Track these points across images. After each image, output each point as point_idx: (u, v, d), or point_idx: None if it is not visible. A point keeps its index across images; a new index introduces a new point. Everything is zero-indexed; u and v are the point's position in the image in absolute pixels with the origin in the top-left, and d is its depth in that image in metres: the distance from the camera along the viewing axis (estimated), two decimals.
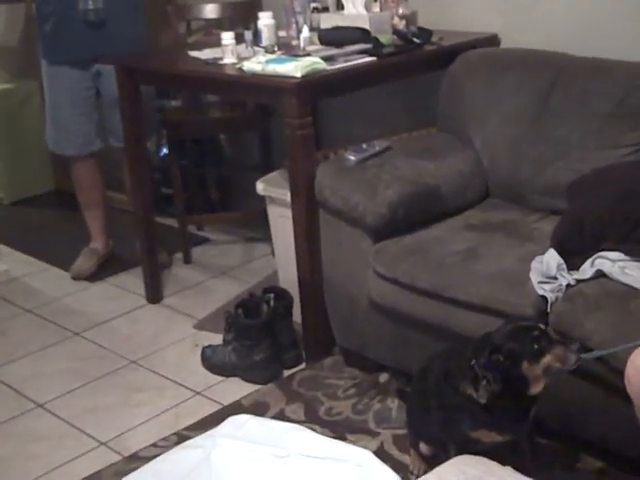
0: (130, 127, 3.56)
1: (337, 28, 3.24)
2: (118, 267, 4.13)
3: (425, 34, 3.28)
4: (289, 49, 3.20)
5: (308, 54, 3.01)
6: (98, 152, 3.98)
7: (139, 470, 2.18)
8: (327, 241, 2.98)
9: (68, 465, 2.71)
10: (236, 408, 2.84)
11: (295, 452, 2.07)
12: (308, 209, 2.95)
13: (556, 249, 2.45)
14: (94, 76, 3.81)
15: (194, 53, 3.38)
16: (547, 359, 2.05)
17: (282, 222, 3.25)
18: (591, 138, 2.82)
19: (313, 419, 2.80)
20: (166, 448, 2.49)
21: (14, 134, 5.15)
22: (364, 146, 3.03)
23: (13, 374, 3.27)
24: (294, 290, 3.13)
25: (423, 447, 2.43)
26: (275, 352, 3.12)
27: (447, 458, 1.97)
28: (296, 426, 2.25)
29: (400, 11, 3.32)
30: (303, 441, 2.12)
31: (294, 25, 3.36)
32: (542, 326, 2.13)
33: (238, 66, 3.06)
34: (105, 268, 4.12)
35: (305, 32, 3.21)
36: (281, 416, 2.81)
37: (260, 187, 3.37)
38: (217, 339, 3.26)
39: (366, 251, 2.79)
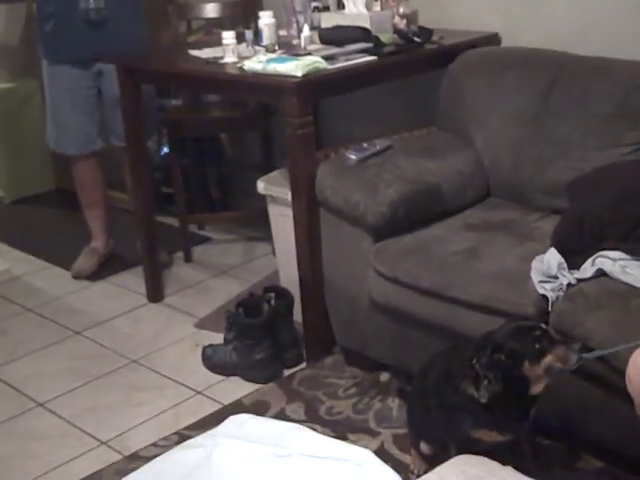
0: (131, 126, 3.56)
1: (338, 27, 3.24)
2: (119, 266, 4.13)
3: (426, 33, 3.28)
4: (290, 48, 3.20)
5: (309, 53, 3.01)
6: (99, 151, 3.98)
7: (140, 469, 2.18)
8: (328, 240, 2.98)
9: (68, 464, 2.71)
10: (237, 407, 2.84)
11: (296, 452, 2.06)
12: (309, 208, 2.95)
13: (557, 248, 2.45)
14: (95, 75, 3.81)
15: (195, 52, 3.38)
16: (548, 359, 2.05)
17: (283, 221, 3.25)
18: (591, 137, 2.82)
19: (314, 418, 2.80)
20: (167, 447, 2.49)
21: (15, 133, 5.15)
22: (365, 145, 3.03)
23: (14, 373, 3.27)
24: (295, 289, 3.14)
25: (424, 447, 2.43)
26: (276, 351, 3.12)
27: (448, 458, 1.97)
28: (297, 426, 2.25)
29: (401, 10, 3.32)
30: (304, 441, 2.12)
31: (295, 24, 3.36)
32: (543, 326, 2.13)
33: (239, 65, 3.06)
34: (106, 267, 4.12)
35: (306, 31, 3.21)
36: (282, 415, 2.81)
37: (261, 186, 3.37)
38: (218, 338, 3.26)
39: (367, 250, 2.79)
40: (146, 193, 3.68)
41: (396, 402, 2.83)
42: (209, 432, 2.23)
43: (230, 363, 3.13)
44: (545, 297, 2.34)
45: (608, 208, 2.45)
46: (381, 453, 2.50)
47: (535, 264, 2.44)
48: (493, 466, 1.84)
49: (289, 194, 3.04)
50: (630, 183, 2.53)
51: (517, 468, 1.83)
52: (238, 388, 3.04)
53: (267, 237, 3.81)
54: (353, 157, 2.95)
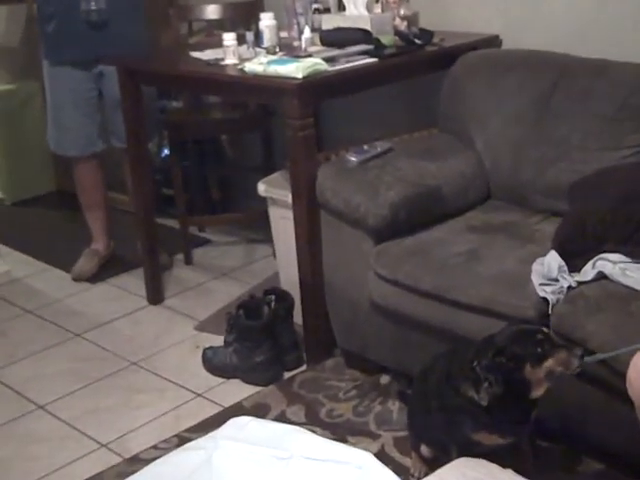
0: (132, 128, 3.56)
1: (338, 29, 3.24)
2: (119, 268, 4.13)
3: (426, 35, 3.28)
4: (290, 50, 3.20)
5: (309, 55, 3.01)
6: (100, 153, 3.98)
7: (140, 472, 2.17)
8: (328, 243, 2.98)
9: (69, 467, 2.71)
10: (237, 410, 2.84)
11: (296, 454, 2.06)
12: (309, 210, 2.95)
13: (557, 251, 2.45)
14: (96, 77, 3.81)
15: (195, 54, 3.38)
16: (550, 363, 2.05)
17: (283, 223, 3.25)
18: (593, 139, 2.82)
19: (314, 421, 2.80)
20: (167, 450, 2.49)
21: (15, 135, 5.15)
22: (365, 147, 3.03)
23: (14, 375, 3.27)
24: (295, 292, 3.13)
25: (424, 449, 2.43)
26: (276, 354, 3.12)
27: (448, 460, 1.97)
28: (297, 428, 2.24)
29: (401, 12, 3.32)
30: (304, 443, 2.11)
31: (295, 26, 3.36)
32: (545, 330, 2.12)
33: (239, 67, 3.06)
34: (106, 269, 4.12)
35: (306, 33, 3.21)
36: (282, 418, 2.81)
37: (261, 188, 3.37)
38: (218, 340, 3.26)
39: (367, 253, 2.79)
40: (146, 195, 3.68)
41: (396, 405, 2.82)
42: (209, 434, 2.22)
43: (230, 365, 3.13)
44: (545, 300, 2.34)
45: (609, 210, 2.45)
46: (381, 456, 2.49)
47: (536, 267, 2.44)
48: (493, 469, 1.84)
49: (289, 196, 3.04)
50: (631, 185, 2.53)
51: (517, 471, 1.84)
52: (238, 390, 3.04)
53: (267, 239, 3.81)
54: (354, 159, 2.95)
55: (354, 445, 2.49)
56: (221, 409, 2.93)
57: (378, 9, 3.32)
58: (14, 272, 4.20)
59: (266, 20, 3.27)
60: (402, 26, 3.31)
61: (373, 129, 3.55)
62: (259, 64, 2.96)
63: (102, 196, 4.11)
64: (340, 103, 3.51)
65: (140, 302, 3.79)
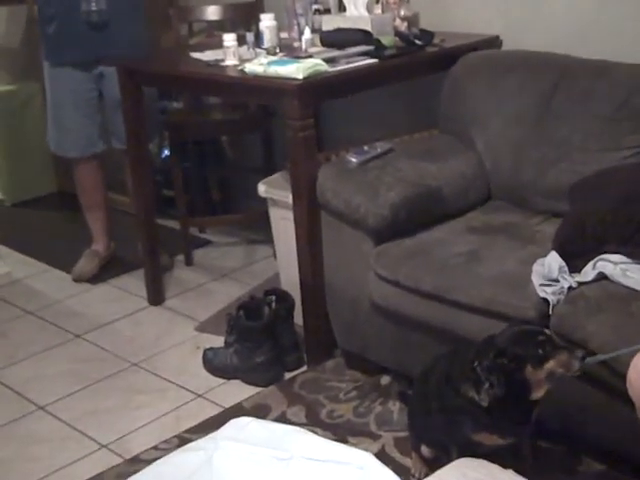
0: (132, 129, 3.56)
1: (339, 30, 3.24)
2: (120, 269, 4.13)
3: (427, 36, 3.28)
4: (291, 51, 3.20)
5: (310, 56, 3.02)
6: (100, 154, 3.98)
7: (140, 473, 2.17)
8: (329, 243, 2.98)
9: (69, 468, 2.71)
10: (237, 410, 2.84)
11: (297, 455, 2.06)
12: (310, 211, 2.95)
13: (558, 251, 2.45)
14: (97, 78, 3.81)
15: (196, 55, 3.38)
16: (551, 364, 2.05)
17: (284, 224, 3.25)
18: (593, 140, 2.82)
19: (314, 422, 2.80)
20: (167, 451, 2.49)
21: (16, 136, 5.15)
22: (366, 148, 3.03)
23: (14, 376, 3.27)
24: (296, 292, 3.13)
25: (424, 450, 2.43)
26: (276, 354, 3.12)
27: (448, 461, 1.97)
28: (298, 429, 2.24)
29: (402, 13, 3.33)
30: (305, 444, 2.11)
31: (296, 27, 3.36)
32: (547, 331, 2.12)
33: (240, 68, 3.07)
34: (107, 270, 4.12)
35: (307, 34, 3.21)
36: (282, 419, 2.81)
37: (262, 189, 3.37)
38: (218, 341, 3.26)
39: (368, 253, 2.79)
40: (147, 196, 3.68)
41: (397, 405, 2.82)
42: (210, 435, 2.22)
43: (231, 366, 3.13)
44: (546, 300, 2.34)
45: (609, 211, 2.45)
46: (382, 456, 2.49)
47: (536, 267, 2.44)
48: (494, 469, 1.84)
49: (290, 197, 3.04)
50: (631, 186, 2.53)
51: (518, 471, 1.84)
52: (239, 391, 3.04)
53: (268, 240, 3.81)
54: (354, 160, 2.95)
55: (355, 446, 2.48)
56: (221, 410, 2.93)
57: (378, 10, 3.33)
58: (14, 273, 4.20)
59: (266, 21, 3.27)
60: (402, 27, 3.31)
61: (373, 130, 3.55)
62: (259, 65, 2.96)
63: (102, 197, 4.11)
64: (340, 104, 3.51)
65: (141, 303, 3.79)
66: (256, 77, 2.96)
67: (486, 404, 2.10)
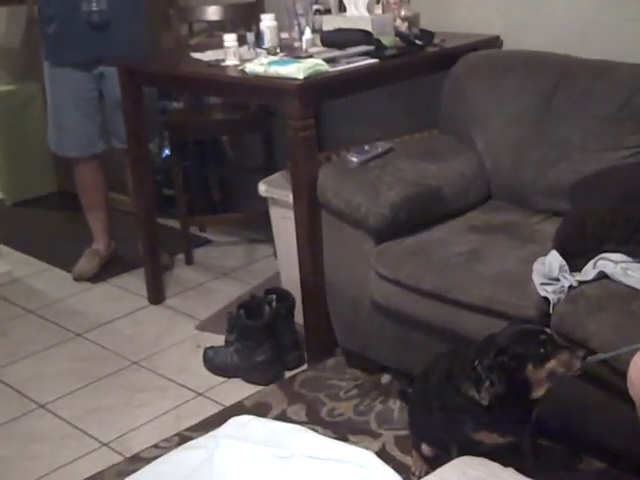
0: (132, 129, 3.56)
1: (339, 30, 3.24)
2: (120, 268, 4.13)
3: (427, 36, 3.28)
4: (291, 51, 3.21)
5: (310, 56, 3.02)
6: (101, 153, 3.99)
7: (141, 471, 2.18)
8: (329, 242, 2.99)
9: (70, 466, 2.71)
10: (238, 409, 2.85)
11: (297, 453, 2.06)
12: (310, 210, 2.96)
13: (558, 250, 2.46)
14: (97, 78, 3.81)
15: (196, 55, 3.39)
16: (552, 364, 2.05)
17: (284, 223, 3.25)
18: (593, 140, 2.82)
19: (315, 420, 2.80)
20: (168, 449, 2.49)
21: (16, 136, 5.15)
22: (366, 148, 3.03)
23: (15, 375, 3.27)
24: (296, 291, 3.14)
25: (425, 448, 2.43)
26: (277, 353, 3.12)
27: (449, 459, 1.97)
28: (298, 427, 2.25)
29: (402, 13, 3.33)
30: (305, 442, 2.12)
31: (296, 27, 3.36)
32: (548, 331, 2.13)
33: (240, 68, 3.07)
34: (107, 269, 4.12)
35: (307, 34, 3.22)
36: (283, 417, 2.81)
37: (262, 188, 3.37)
38: (219, 340, 3.26)
39: (368, 252, 2.80)
40: (147, 195, 3.68)
41: (397, 404, 2.83)
42: (210, 433, 2.23)
43: (231, 365, 3.13)
44: (546, 299, 2.34)
45: (610, 210, 2.45)
46: (382, 455, 2.48)
47: (537, 266, 2.45)
48: (494, 468, 1.84)
49: (290, 196, 3.04)
50: (631, 185, 2.54)
51: (518, 469, 1.84)
52: (239, 390, 3.04)
53: (268, 239, 3.81)
54: (355, 159, 2.95)
55: (355, 444, 2.49)
56: (222, 408, 2.93)
57: (379, 10, 3.33)
58: (15, 272, 4.20)
59: (267, 21, 3.27)
60: (403, 27, 3.31)
61: (374, 130, 3.56)
62: (260, 65, 2.96)
63: (103, 196, 4.11)
64: (341, 104, 3.51)
65: (141, 302, 3.80)
66: (257, 77, 2.96)
67: (486, 403, 2.10)
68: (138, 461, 2.60)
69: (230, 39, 3.16)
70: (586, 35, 3.15)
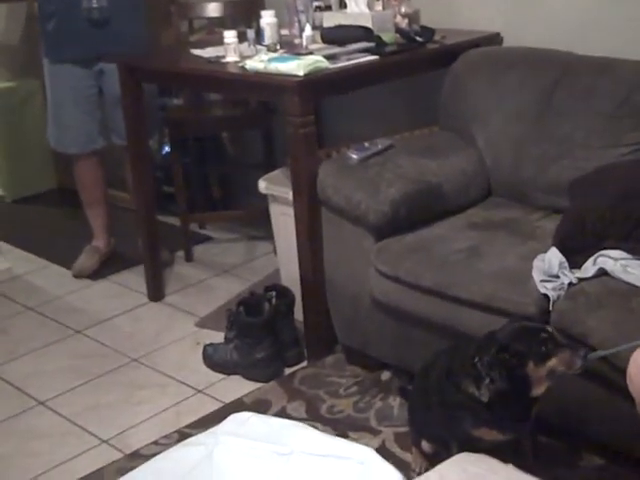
0: (132, 125, 3.56)
1: (340, 27, 3.24)
2: (120, 265, 4.13)
3: (428, 33, 3.28)
4: (291, 47, 3.20)
5: (310, 52, 3.02)
6: (100, 150, 3.98)
7: (140, 468, 2.18)
8: (329, 239, 2.99)
9: (69, 463, 2.71)
10: (238, 406, 2.84)
11: (297, 450, 2.07)
12: (310, 207, 2.95)
13: (558, 247, 2.45)
14: (97, 74, 3.81)
15: (196, 51, 3.38)
16: (553, 362, 2.04)
17: (284, 220, 3.25)
18: (594, 136, 2.82)
19: (315, 417, 2.80)
20: (168, 446, 2.49)
21: (16, 132, 5.15)
22: (366, 144, 3.03)
23: (14, 372, 3.27)
24: (296, 288, 3.14)
25: (425, 445, 2.43)
26: (277, 350, 3.12)
27: (449, 456, 1.97)
28: (298, 424, 2.25)
29: (403, 10, 3.33)
30: (305, 439, 2.12)
31: (296, 23, 3.36)
32: (549, 328, 2.12)
33: (240, 64, 3.07)
34: (107, 266, 4.12)
35: (307, 30, 3.21)
36: (283, 414, 2.81)
37: (262, 185, 3.37)
38: (219, 337, 3.26)
39: (368, 249, 2.79)
40: (147, 192, 3.68)
41: (397, 401, 2.83)
42: (210, 430, 2.23)
43: (231, 362, 3.13)
44: (546, 296, 2.34)
45: (609, 207, 2.45)
46: (382, 451, 2.48)
47: (536, 263, 2.44)
48: (494, 464, 1.84)
49: (290, 193, 3.04)
50: (630, 183, 2.54)
51: (518, 466, 1.84)
52: (239, 387, 3.04)
53: (268, 236, 3.81)
54: (355, 156, 2.95)
55: (355, 441, 2.47)
56: (222, 405, 2.93)
57: (379, 6, 3.32)
58: (15, 269, 4.20)
59: (267, 18, 3.27)
60: (403, 24, 3.31)
61: (374, 126, 3.56)
62: (260, 61, 2.96)
63: (102, 193, 4.11)
64: (341, 100, 3.51)
65: (141, 299, 3.79)
66: (257, 74, 2.96)
67: (486, 400, 2.10)
68: (138, 458, 2.60)
69: (230, 36, 3.16)
70: (586, 32, 3.14)
